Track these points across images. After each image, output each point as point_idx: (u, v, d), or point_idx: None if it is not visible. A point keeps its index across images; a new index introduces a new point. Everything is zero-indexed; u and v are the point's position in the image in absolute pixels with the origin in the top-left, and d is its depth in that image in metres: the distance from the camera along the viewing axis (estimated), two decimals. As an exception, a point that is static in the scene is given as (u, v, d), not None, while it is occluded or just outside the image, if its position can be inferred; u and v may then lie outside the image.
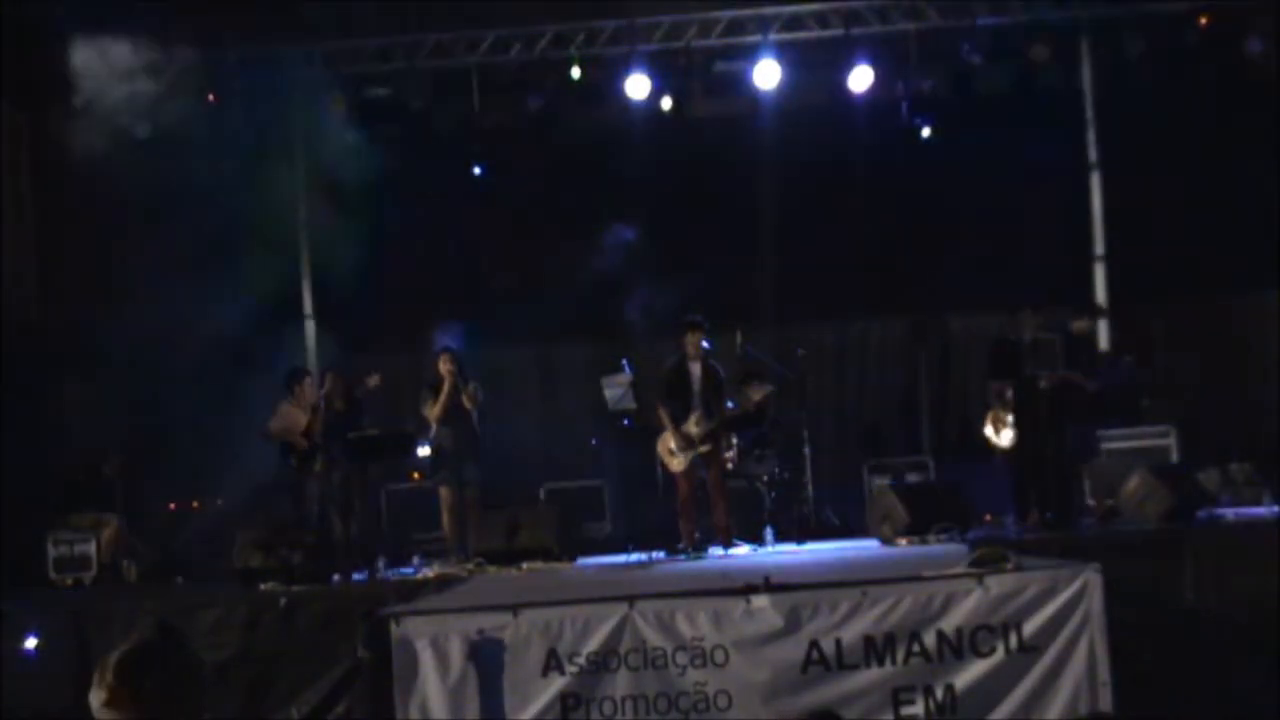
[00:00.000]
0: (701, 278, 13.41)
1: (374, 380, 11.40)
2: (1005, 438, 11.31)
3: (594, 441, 12.95)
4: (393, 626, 7.76)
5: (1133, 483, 10.63)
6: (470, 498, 11.40)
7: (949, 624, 7.52)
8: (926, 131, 13.34)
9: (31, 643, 9.33)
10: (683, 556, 10.91)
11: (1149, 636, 8.37)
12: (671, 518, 11.53)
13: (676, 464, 11.13)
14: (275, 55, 13.12)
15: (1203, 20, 12.93)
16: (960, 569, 7.83)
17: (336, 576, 10.51)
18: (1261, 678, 8.29)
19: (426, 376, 11.79)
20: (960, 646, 7.50)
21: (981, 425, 11.59)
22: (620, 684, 7.57)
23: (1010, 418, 11.17)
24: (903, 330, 14.58)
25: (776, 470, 12.14)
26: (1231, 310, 13.83)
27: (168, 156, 12.48)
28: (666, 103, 13.38)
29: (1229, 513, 10.94)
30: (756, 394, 11.45)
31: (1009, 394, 11.04)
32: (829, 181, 13.60)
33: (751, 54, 13.35)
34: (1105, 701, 7.37)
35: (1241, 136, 12.90)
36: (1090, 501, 11.87)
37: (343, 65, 13.51)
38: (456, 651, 7.66)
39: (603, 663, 7.57)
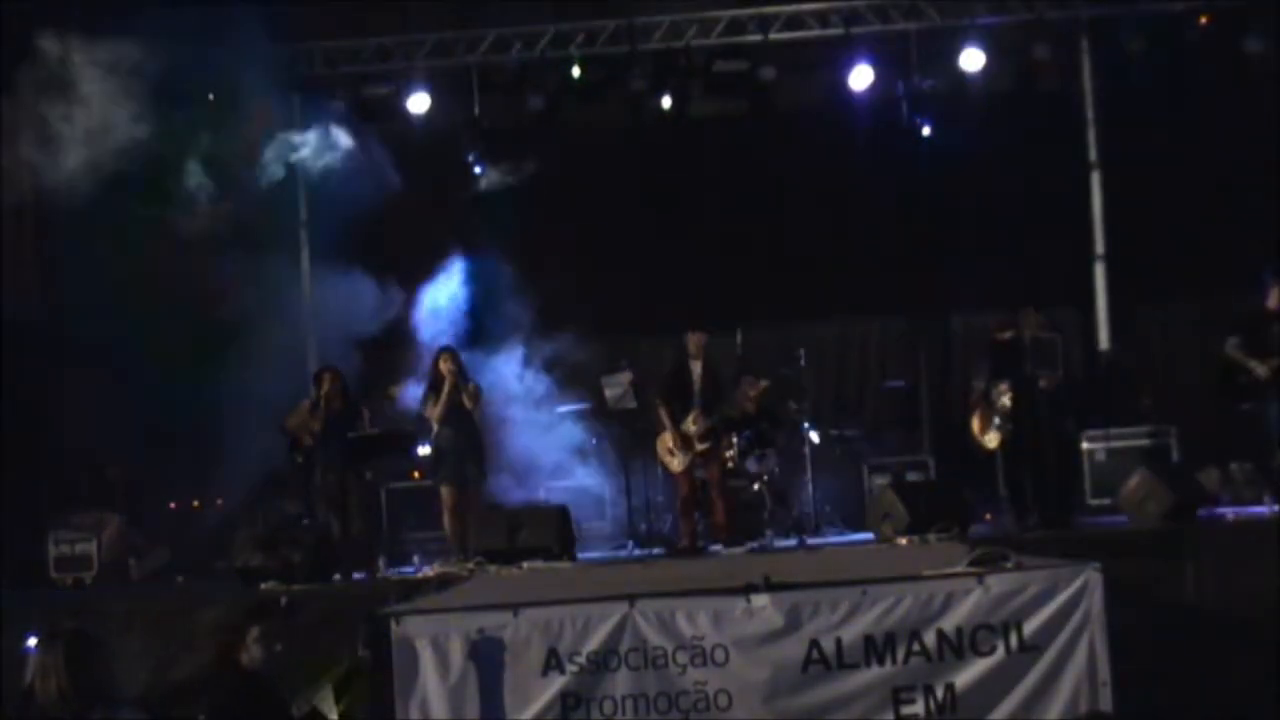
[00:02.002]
0: (701, 277, 13.42)
1: (394, 392, 11.44)
2: (992, 439, 11.30)
3: (594, 441, 12.95)
4: (393, 626, 7.77)
5: (1133, 482, 10.63)
6: (471, 497, 11.41)
7: (949, 623, 7.53)
8: (927, 130, 13.34)
9: (32, 642, 9.32)
10: (683, 556, 10.91)
11: (1149, 636, 8.37)
12: (671, 517, 11.53)
13: (676, 463, 11.14)
14: (276, 55, 13.12)
15: (1203, 20, 12.93)
16: (960, 568, 7.84)
17: (337, 576, 10.51)
18: (1261, 676, 8.30)
19: (427, 376, 11.79)
20: (960, 646, 7.50)
21: (971, 427, 11.55)
22: (620, 683, 7.58)
23: (997, 419, 11.15)
24: (903, 330, 14.58)
25: (776, 470, 12.14)
26: (1231, 310, 13.80)
27: (168, 155, 12.51)
28: (666, 102, 13.40)
29: (1229, 513, 10.94)
30: (752, 390, 11.46)
31: (994, 396, 11.02)
32: (829, 181, 13.60)
33: (752, 54, 13.36)
34: (1105, 701, 7.38)
35: (1242, 136, 12.89)
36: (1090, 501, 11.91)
37: (343, 65, 13.52)
38: (456, 651, 7.66)
39: (603, 662, 7.57)
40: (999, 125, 13.29)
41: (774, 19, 13.39)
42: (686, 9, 13.46)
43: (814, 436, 12.37)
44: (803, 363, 12.43)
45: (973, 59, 13.26)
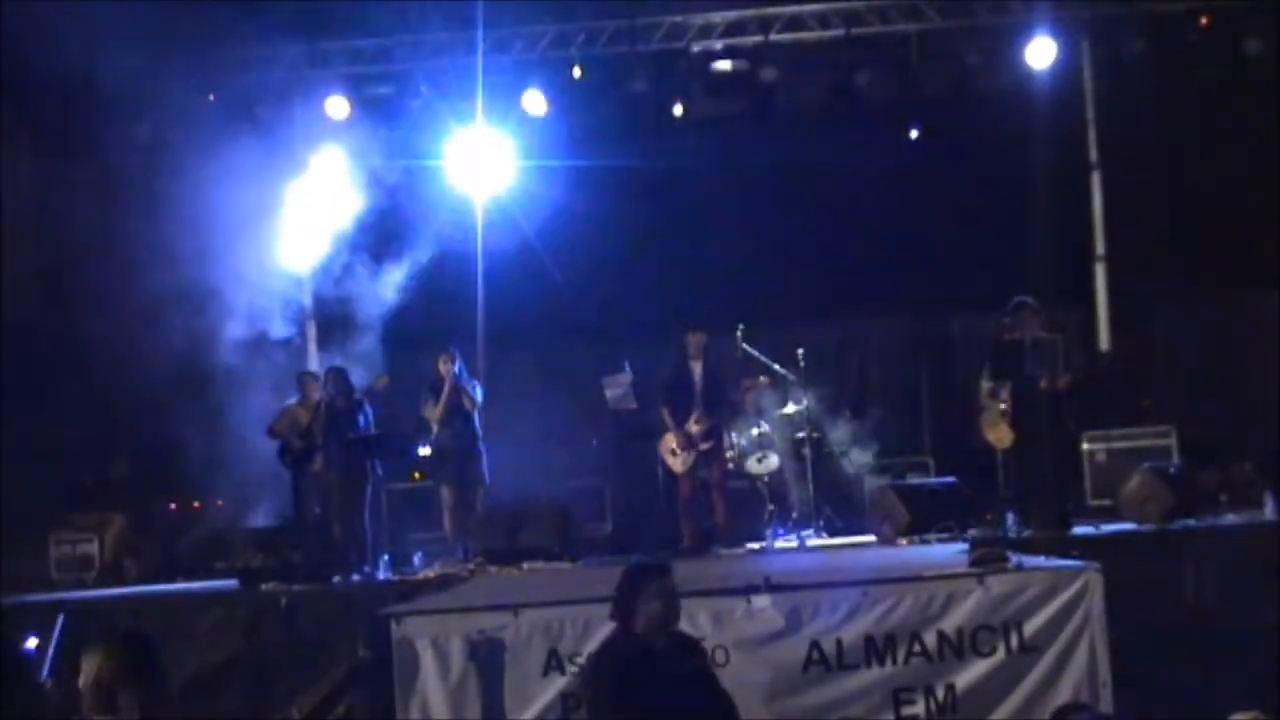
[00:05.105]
0: (702, 277, 13.42)
1: (382, 381, 11.44)
2: (1003, 438, 11.30)
3: (594, 442, 12.95)
4: (393, 626, 7.77)
5: (1133, 483, 10.63)
6: (471, 498, 11.41)
7: (949, 624, 7.53)
8: (914, 133, 13.34)
9: (32, 642, 9.33)
10: (683, 556, 10.91)
11: (1149, 636, 8.38)
12: (672, 518, 11.54)
13: (678, 464, 11.14)
14: (276, 55, 13.14)
15: (1203, 20, 12.93)
16: (960, 569, 7.84)
17: (337, 577, 10.52)
18: (1261, 677, 8.29)
19: (427, 377, 11.80)
20: (961, 646, 7.51)
21: (980, 426, 11.55)
22: (621, 684, 7.57)
23: (1002, 418, 11.14)
24: (903, 330, 14.57)
25: (777, 470, 12.14)
26: (1231, 310, 13.84)
27: (170, 157, 12.54)
28: (679, 109, 13.40)
29: (1229, 513, 10.94)
30: (751, 389, 11.46)
31: (1003, 394, 11.02)
32: (829, 181, 13.59)
33: (752, 54, 13.36)
34: (1105, 701, 7.38)
35: (1241, 136, 12.90)
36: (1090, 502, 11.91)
37: (343, 65, 13.51)
38: (457, 651, 7.67)
39: (603, 663, 7.57)
40: (999, 125, 13.28)
41: (774, 20, 13.38)
42: (686, 10, 13.46)
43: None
44: (802, 363, 12.43)
45: (971, 59, 13.24)
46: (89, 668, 4.26)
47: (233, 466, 12.32)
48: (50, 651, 8.21)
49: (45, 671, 7.75)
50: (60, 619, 8.87)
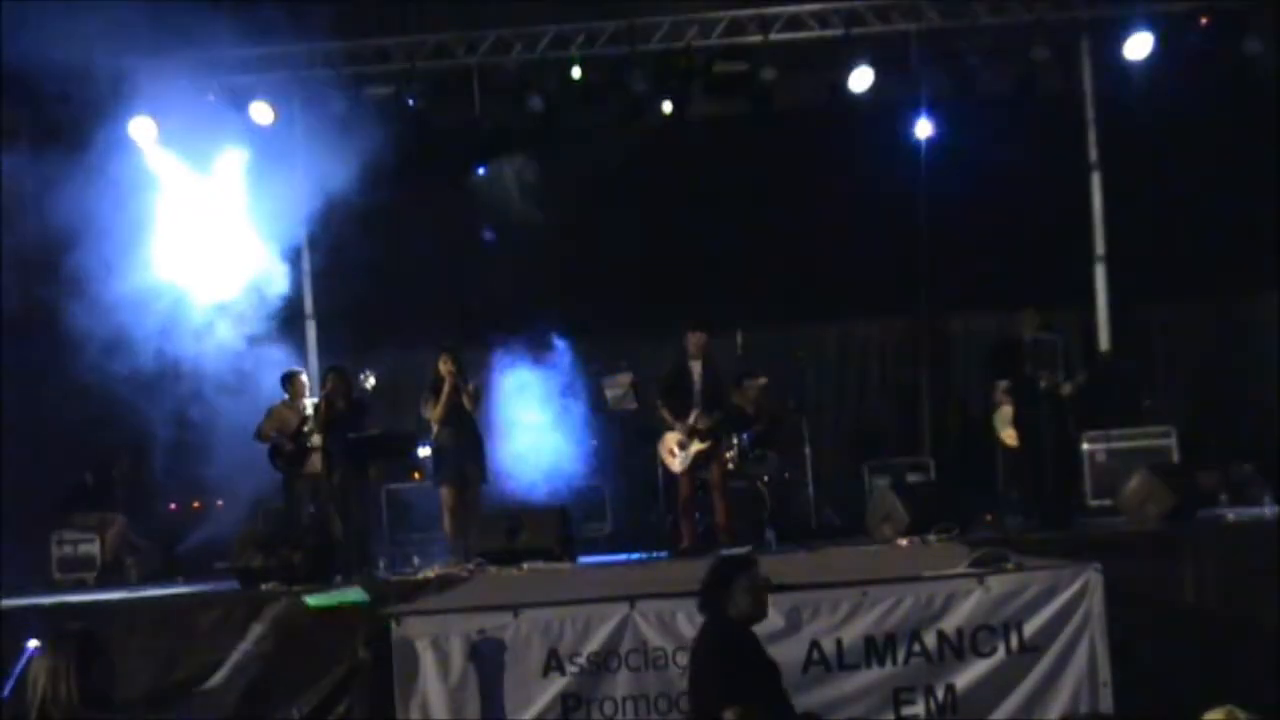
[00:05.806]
0: (702, 277, 13.42)
1: (370, 380, 11.45)
2: (1013, 436, 11.33)
3: (594, 441, 12.95)
4: (393, 626, 7.79)
5: (1133, 483, 10.63)
6: (471, 498, 11.41)
7: (950, 624, 7.55)
8: (927, 132, 13.32)
9: (33, 643, 9.32)
10: (683, 557, 10.90)
11: (1149, 636, 8.38)
12: (672, 518, 11.54)
13: (678, 464, 11.14)
14: (276, 55, 13.14)
15: (1203, 20, 12.92)
16: (960, 569, 7.85)
17: (337, 577, 10.52)
18: (1261, 677, 8.30)
19: (427, 377, 11.80)
20: (961, 646, 7.52)
21: (992, 424, 11.55)
22: (621, 684, 7.60)
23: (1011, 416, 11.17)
24: (903, 330, 14.57)
25: (776, 470, 12.14)
26: (1231, 310, 13.84)
27: (169, 156, 12.55)
28: (667, 107, 13.40)
29: (1229, 513, 10.95)
30: (751, 390, 11.46)
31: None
32: (829, 182, 13.59)
33: (752, 54, 13.36)
34: (1105, 701, 7.40)
35: (1241, 136, 12.89)
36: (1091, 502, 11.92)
37: (343, 65, 13.51)
38: (457, 651, 7.69)
39: (603, 663, 7.59)
40: (999, 125, 13.28)
41: (774, 20, 13.37)
42: (686, 10, 13.45)
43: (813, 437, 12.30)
44: (802, 363, 12.44)
45: (971, 59, 13.24)
46: (36, 672, 4.31)
47: (232, 467, 12.33)
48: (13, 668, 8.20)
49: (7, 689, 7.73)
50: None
